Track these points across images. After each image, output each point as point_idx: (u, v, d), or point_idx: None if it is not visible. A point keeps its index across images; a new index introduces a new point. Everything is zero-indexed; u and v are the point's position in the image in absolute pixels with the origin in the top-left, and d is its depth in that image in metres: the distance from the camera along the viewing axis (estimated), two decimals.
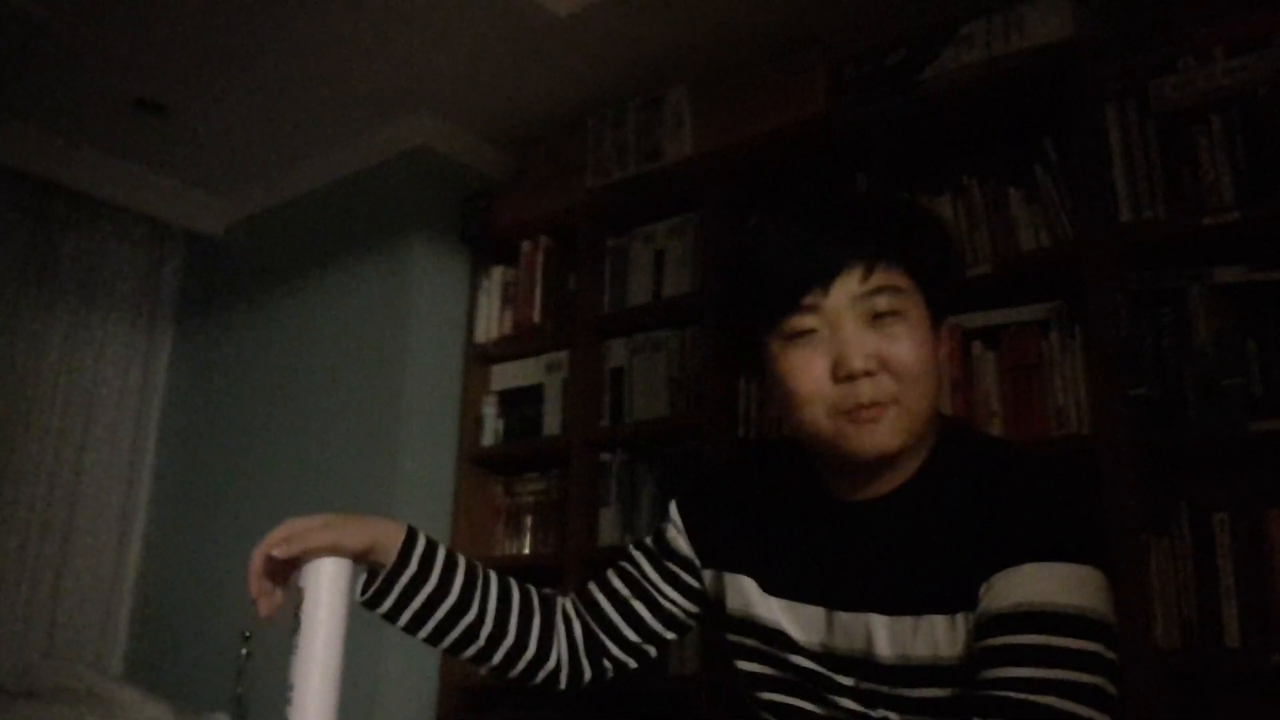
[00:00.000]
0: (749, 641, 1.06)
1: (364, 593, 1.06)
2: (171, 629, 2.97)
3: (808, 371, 0.95)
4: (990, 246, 1.92)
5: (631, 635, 1.15)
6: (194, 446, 3.13)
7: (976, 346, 1.90)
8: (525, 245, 2.65)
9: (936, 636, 0.92)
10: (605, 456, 2.40)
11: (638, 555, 1.17)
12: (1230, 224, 1.65)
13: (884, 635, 0.94)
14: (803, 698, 1.01)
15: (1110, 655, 0.86)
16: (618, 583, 1.16)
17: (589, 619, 1.16)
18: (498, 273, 2.71)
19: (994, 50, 1.92)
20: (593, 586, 1.18)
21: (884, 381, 0.93)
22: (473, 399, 2.67)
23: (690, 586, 1.14)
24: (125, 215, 3.18)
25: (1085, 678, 0.84)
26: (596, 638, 1.15)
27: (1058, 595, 0.86)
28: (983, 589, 0.89)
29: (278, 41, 2.43)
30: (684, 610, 1.15)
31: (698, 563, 1.13)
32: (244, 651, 2.59)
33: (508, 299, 2.68)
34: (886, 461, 0.96)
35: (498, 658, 1.11)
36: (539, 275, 2.61)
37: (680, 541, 1.14)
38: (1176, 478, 1.71)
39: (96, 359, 3.12)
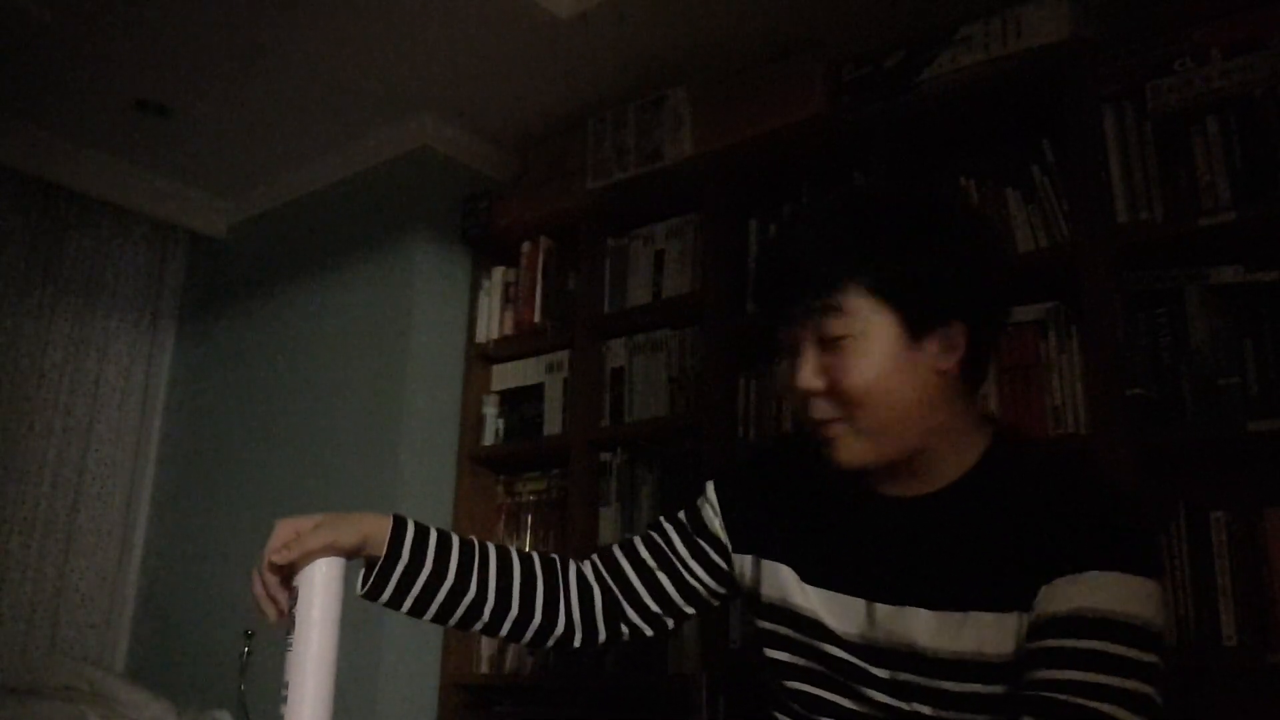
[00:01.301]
0: (782, 629, 1.07)
1: (363, 585, 1.08)
2: (174, 627, 2.98)
3: (787, 384, 1.01)
4: None
5: (653, 605, 1.16)
6: (196, 446, 3.14)
7: None
8: (526, 246, 2.66)
9: (983, 632, 0.93)
10: (605, 456, 2.41)
11: (668, 528, 1.18)
12: (1227, 225, 1.65)
13: (928, 629, 0.95)
14: (832, 690, 1.02)
15: (1163, 667, 0.87)
16: (644, 552, 1.17)
17: (610, 583, 1.17)
18: (498, 273, 2.72)
19: (992, 52, 1.93)
20: (617, 551, 1.19)
21: (829, 403, 0.97)
22: (473, 399, 2.68)
23: (718, 566, 1.15)
24: (128, 216, 3.19)
25: (1143, 688, 0.85)
26: (617, 603, 1.16)
27: (1121, 604, 0.87)
28: (1042, 592, 0.90)
29: (279, 43, 2.44)
30: (707, 588, 1.16)
31: (729, 546, 1.14)
32: (246, 650, 2.61)
33: (508, 299, 2.69)
34: (912, 465, 0.99)
35: (505, 629, 1.13)
36: (539, 276, 2.62)
37: (715, 522, 1.15)
38: (1173, 477, 1.71)
39: (100, 359, 3.13)
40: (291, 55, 2.49)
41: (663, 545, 1.17)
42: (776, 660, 1.07)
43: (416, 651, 2.47)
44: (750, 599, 1.12)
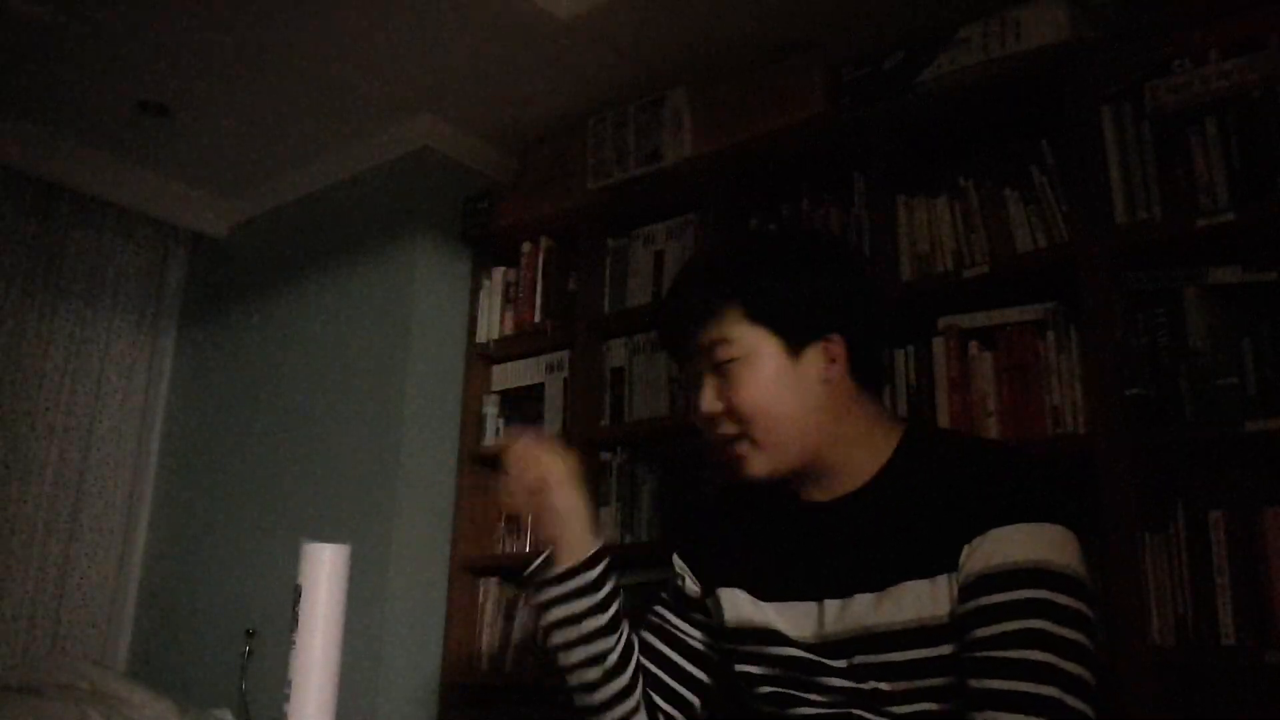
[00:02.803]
0: (746, 645, 1.14)
1: (536, 573, 1.16)
2: (176, 626, 2.99)
3: (695, 413, 1.12)
4: (987, 247, 1.93)
5: (671, 682, 1.20)
6: (197, 445, 3.15)
7: (973, 347, 1.91)
8: (526, 246, 2.67)
9: (920, 600, 0.99)
10: (605, 456, 2.42)
11: (660, 610, 1.25)
12: (1225, 225, 1.65)
13: (873, 609, 1.02)
14: (796, 687, 1.08)
15: (1088, 612, 0.93)
16: (650, 638, 1.23)
17: (640, 683, 1.21)
18: (499, 273, 2.72)
19: (991, 53, 1.93)
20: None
21: (729, 421, 1.08)
22: (474, 399, 2.68)
23: (706, 623, 1.22)
24: (129, 216, 3.20)
25: (1068, 633, 0.91)
26: (650, 697, 1.20)
27: (1026, 552, 0.94)
28: (964, 553, 0.97)
29: (280, 44, 2.45)
30: (706, 645, 1.22)
31: (701, 594, 1.21)
32: (247, 649, 2.61)
33: (509, 299, 2.69)
34: (824, 470, 1.08)
35: (605, 694, 1.15)
36: (540, 276, 2.63)
37: (689, 584, 1.22)
38: (1172, 476, 1.72)
39: (101, 359, 3.14)
40: (292, 55, 2.49)
41: (662, 625, 1.24)
42: (746, 673, 1.14)
43: (416, 651, 2.47)
44: (718, 631, 1.19)
